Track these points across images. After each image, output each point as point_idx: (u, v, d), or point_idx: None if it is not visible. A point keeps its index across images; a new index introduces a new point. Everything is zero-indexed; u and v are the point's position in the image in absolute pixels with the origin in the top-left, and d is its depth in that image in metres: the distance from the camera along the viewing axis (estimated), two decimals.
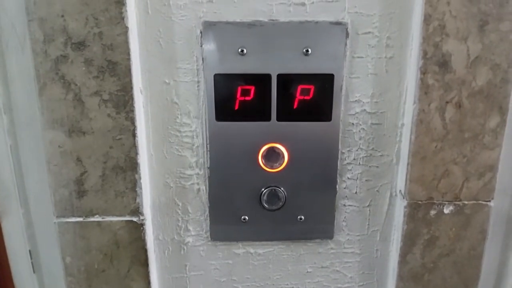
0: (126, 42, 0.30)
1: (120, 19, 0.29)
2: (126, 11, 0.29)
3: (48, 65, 0.30)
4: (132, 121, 0.31)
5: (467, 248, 0.35)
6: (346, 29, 0.32)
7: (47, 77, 0.30)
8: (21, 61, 0.33)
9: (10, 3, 0.32)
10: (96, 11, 0.29)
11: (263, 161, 0.34)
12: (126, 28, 0.29)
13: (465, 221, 0.34)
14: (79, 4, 0.29)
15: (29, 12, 0.29)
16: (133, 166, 0.32)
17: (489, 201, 0.34)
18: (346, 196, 0.36)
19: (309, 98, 0.33)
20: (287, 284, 0.39)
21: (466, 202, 0.34)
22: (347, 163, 0.35)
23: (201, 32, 0.31)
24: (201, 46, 0.32)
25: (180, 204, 0.36)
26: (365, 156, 0.35)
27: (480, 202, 0.34)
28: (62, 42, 0.30)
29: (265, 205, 0.35)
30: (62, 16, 0.29)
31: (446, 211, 0.34)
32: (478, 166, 0.33)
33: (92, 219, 0.34)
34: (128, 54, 0.30)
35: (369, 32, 0.32)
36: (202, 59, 0.32)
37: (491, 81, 0.31)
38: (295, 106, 0.33)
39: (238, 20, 0.31)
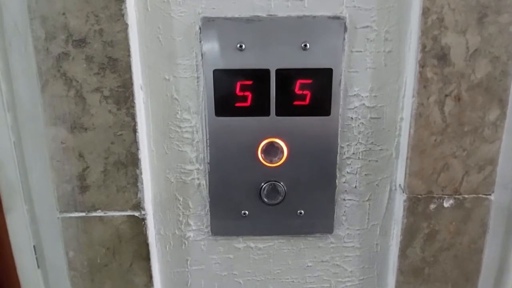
0: (126, 39, 0.30)
1: (120, 16, 0.30)
2: (126, 8, 0.30)
3: (50, 62, 0.30)
4: (133, 117, 0.32)
5: (467, 242, 0.35)
6: (345, 23, 0.32)
7: (49, 74, 0.31)
8: (23, 58, 0.34)
9: (12, 2, 0.32)
10: (97, 9, 0.29)
11: (263, 156, 0.35)
12: (126, 25, 0.30)
13: (465, 215, 0.34)
14: (80, 1, 0.29)
15: (31, 10, 0.29)
16: (134, 161, 0.33)
17: (490, 194, 0.34)
18: (346, 191, 0.37)
19: (308, 93, 0.33)
20: (288, 278, 0.39)
21: (466, 196, 0.34)
22: (347, 157, 0.36)
23: (200, 28, 0.32)
24: (200, 42, 0.32)
25: (181, 199, 0.37)
26: (365, 150, 0.35)
27: (480, 195, 0.34)
28: (63, 40, 0.30)
29: (265, 199, 0.36)
30: (63, 14, 0.30)
31: (446, 205, 0.34)
32: (478, 160, 0.33)
33: (94, 214, 0.34)
34: (128, 50, 0.30)
35: (368, 26, 0.32)
36: (201, 55, 0.32)
37: (490, 74, 0.31)
38: (294, 101, 0.33)
39: (236, 16, 0.32)
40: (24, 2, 0.30)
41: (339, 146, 0.35)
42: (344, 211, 0.37)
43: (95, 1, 0.29)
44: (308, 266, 0.39)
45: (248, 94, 0.33)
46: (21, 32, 0.33)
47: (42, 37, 0.30)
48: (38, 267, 0.40)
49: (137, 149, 0.33)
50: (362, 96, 0.34)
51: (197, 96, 0.34)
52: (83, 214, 0.34)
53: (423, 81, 0.31)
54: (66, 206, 0.34)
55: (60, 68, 0.31)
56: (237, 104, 0.33)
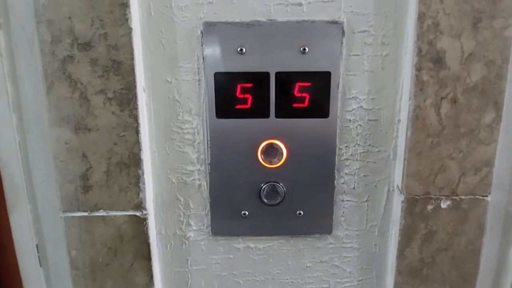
0: (130, 43, 0.31)
1: (124, 20, 0.30)
2: (130, 13, 0.30)
3: (55, 65, 0.31)
4: (136, 118, 0.33)
5: (465, 243, 0.35)
6: (342, 28, 0.32)
7: (55, 77, 0.31)
8: (29, 61, 0.34)
9: (20, 6, 0.33)
10: (102, 13, 0.30)
11: (262, 157, 0.35)
12: (130, 29, 0.31)
13: (462, 216, 0.35)
14: (85, 6, 0.30)
15: (37, 14, 0.30)
16: (137, 162, 0.33)
17: (486, 196, 0.34)
18: (344, 192, 0.37)
19: (306, 95, 0.34)
20: (287, 279, 0.40)
21: (463, 197, 0.34)
22: (345, 158, 0.36)
23: (201, 32, 0.33)
24: (202, 45, 0.33)
25: (182, 200, 0.37)
26: (363, 152, 0.36)
27: (477, 197, 0.34)
28: (69, 43, 0.31)
29: (265, 200, 0.36)
30: (69, 18, 0.30)
31: (443, 205, 0.35)
32: (474, 161, 0.33)
33: (97, 213, 0.35)
34: (132, 54, 0.31)
35: (365, 31, 0.33)
36: (203, 58, 0.33)
37: (485, 77, 0.32)
38: (293, 103, 0.34)
39: (237, 20, 0.32)
40: (31, 6, 0.30)
41: (337, 147, 0.36)
42: (343, 212, 0.38)
43: (100, 6, 0.30)
44: (307, 266, 0.39)
45: (248, 97, 0.34)
46: (27, 35, 0.34)
47: (48, 41, 0.31)
48: (41, 266, 0.40)
49: (140, 150, 0.33)
50: (360, 99, 0.35)
51: (198, 98, 0.35)
52: (85, 213, 0.35)
53: (419, 84, 0.32)
54: (69, 206, 0.34)
55: (65, 71, 0.31)
56: (238, 106, 0.34)
